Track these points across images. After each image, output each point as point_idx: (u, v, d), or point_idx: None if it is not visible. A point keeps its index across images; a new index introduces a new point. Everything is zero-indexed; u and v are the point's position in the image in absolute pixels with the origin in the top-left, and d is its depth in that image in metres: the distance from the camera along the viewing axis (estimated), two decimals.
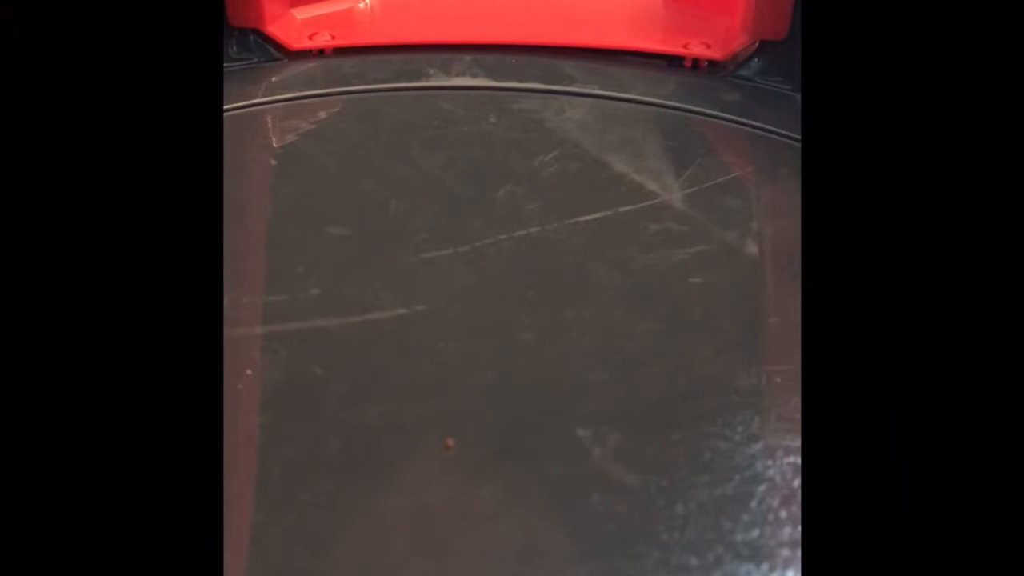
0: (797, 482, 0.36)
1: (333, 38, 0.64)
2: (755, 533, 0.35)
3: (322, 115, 0.58)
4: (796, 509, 0.35)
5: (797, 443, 0.37)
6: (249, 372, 0.41)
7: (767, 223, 0.52)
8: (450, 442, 0.38)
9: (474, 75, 0.62)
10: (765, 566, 0.34)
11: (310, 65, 0.63)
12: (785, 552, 0.34)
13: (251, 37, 0.63)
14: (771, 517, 0.35)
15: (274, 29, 0.64)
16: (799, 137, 0.51)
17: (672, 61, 0.64)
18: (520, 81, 0.61)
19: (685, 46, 0.64)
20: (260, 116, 0.58)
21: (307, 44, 0.64)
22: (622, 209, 0.51)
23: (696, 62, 0.63)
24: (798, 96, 0.60)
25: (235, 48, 0.63)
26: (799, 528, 0.32)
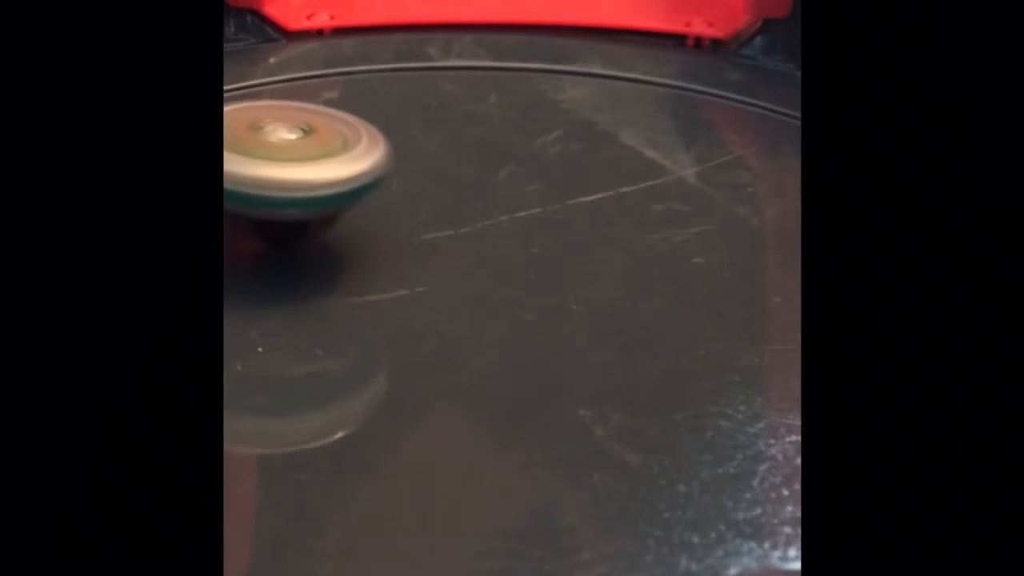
0: (798, 461, 0.36)
1: (332, 18, 0.64)
2: (757, 511, 0.35)
3: (321, 96, 0.58)
4: (797, 488, 0.35)
5: (798, 422, 0.37)
6: (260, 349, 0.41)
7: (769, 202, 0.52)
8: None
9: (475, 55, 0.61)
10: (767, 544, 0.34)
11: (309, 46, 0.63)
12: (787, 530, 0.34)
13: (249, 18, 0.63)
14: (772, 495, 0.35)
15: (272, 9, 0.63)
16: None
17: (674, 40, 0.63)
18: (521, 61, 0.60)
19: (687, 24, 0.63)
20: (259, 97, 0.58)
21: (306, 24, 0.64)
22: (624, 189, 0.51)
23: (698, 41, 0.63)
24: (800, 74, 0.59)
25: (233, 29, 0.62)
26: (800, 506, 0.32)
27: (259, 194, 0.40)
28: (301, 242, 0.44)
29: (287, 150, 0.41)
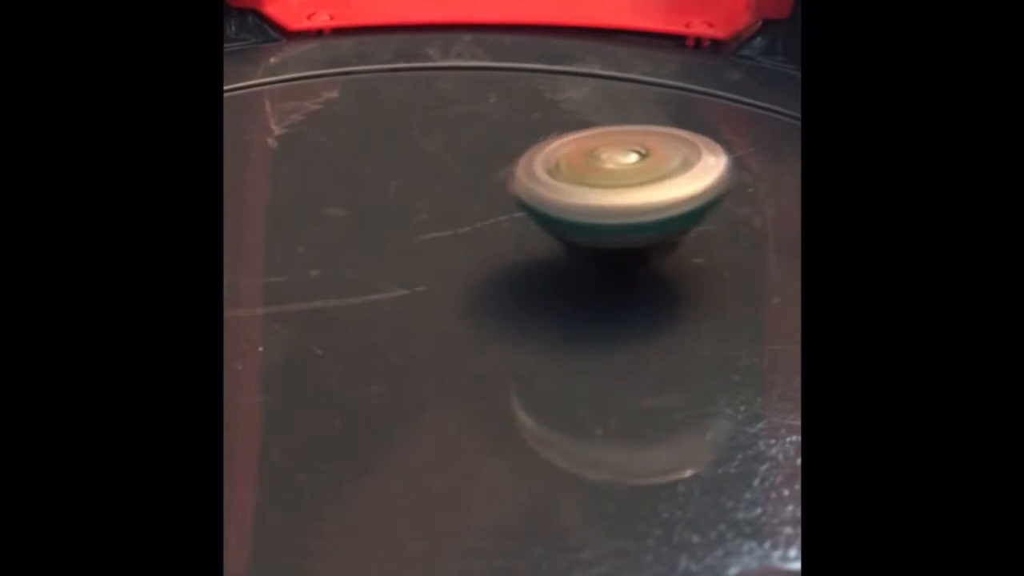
0: (799, 461, 0.36)
1: (332, 18, 0.64)
2: (757, 511, 0.35)
3: (321, 96, 0.58)
4: (797, 488, 0.35)
5: (799, 422, 0.37)
6: (260, 349, 0.41)
7: (769, 202, 0.52)
8: None
9: (474, 55, 0.61)
10: (767, 544, 0.34)
11: (309, 46, 0.63)
12: (787, 530, 0.34)
13: (250, 17, 0.63)
14: (773, 496, 0.35)
15: (273, 9, 0.63)
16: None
17: (674, 40, 0.63)
18: (520, 61, 0.60)
19: (687, 25, 0.63)
20: (259, 97, 0.58)
21: (306, 24, 0.64)
22: None
23: (698, 41, 0.63)
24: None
25: (234, 29, 0.62)
26: (800, 507, 0.32)
27: (599, 223, 0.39)
28: (642, 268, 0.43)
29: (626, 175, 0.40)
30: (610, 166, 0.40)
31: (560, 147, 0.42)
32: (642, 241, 0.41)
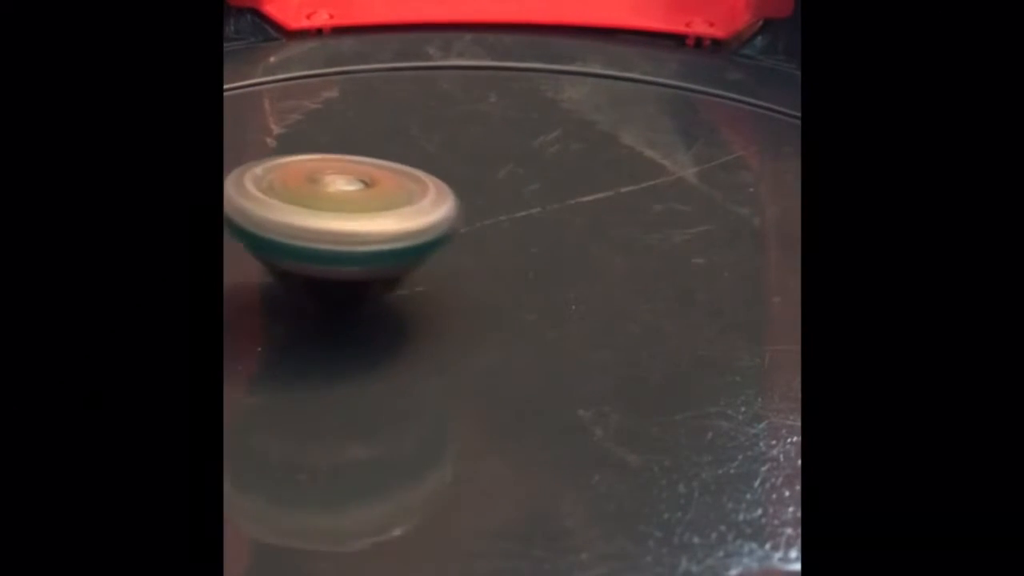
0: (799, 462, 0.36)
1: (331, 17, 0.64)
2: (757, 512, 0.35)
3: (321, 96, 0.58)
4: (798, 489, 0.35)
5: (799, 423, 0.37)
6: (260, 349, 0.41)
7: (769, 202, 0.52)
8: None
9: (474, 54, 0.61)
10: (767, 545, 0.34)
11: (309, 45, 0.63)
12: (787, 531, 0.34)
13: (249, 17, 0.63)
14: (773, 496, 0.35)
15: (272, 9, 0.63)
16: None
17: (674, 40, 0.64)
18: (521, 60, 0.60)
19: (688, 24, 0.63)
20: (259, 97, 0.58)
21: (305, 24, 0.64)
22: (624, 189, 0.51)
23: (699, 40, 0.63)
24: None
25: (233, 28, 0.62)
26: (801, 508, 0.32)
27: (315, 248, 0.37)
28: (361, 306, 0.41)
29: (347, 202, 0.39)
30: (331, 191, 0.39)
31: (278, 166, 0.40)
32: (361, 274, 0.39)
